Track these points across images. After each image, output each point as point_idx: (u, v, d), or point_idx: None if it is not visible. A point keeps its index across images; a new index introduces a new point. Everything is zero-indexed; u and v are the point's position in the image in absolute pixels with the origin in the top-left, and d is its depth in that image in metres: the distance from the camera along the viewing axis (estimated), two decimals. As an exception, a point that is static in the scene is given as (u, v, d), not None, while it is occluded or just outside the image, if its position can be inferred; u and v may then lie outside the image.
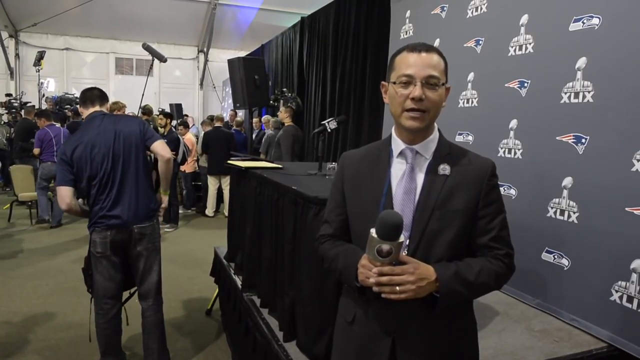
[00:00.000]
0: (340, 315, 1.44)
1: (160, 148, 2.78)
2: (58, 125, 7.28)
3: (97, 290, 2.72)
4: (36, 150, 6.71)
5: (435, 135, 1.31)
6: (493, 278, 1.24)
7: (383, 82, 1.33)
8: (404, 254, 1.22)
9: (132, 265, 2.77)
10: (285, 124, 6.47)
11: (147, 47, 5.99)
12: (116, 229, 2.64)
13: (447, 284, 1.18)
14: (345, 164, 1.43)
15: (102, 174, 2.61)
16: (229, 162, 3.46)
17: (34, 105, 9.80)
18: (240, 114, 10.24)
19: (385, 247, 1.10)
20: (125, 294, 2.91)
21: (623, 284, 2.15)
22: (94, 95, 2.79)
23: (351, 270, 1.25)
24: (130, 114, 10.20)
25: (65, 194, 2.60)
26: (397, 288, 1.14)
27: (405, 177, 1.28)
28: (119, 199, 2.64)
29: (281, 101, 7.44)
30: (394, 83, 1.24)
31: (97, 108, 2.78)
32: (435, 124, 1.32)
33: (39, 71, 10.26)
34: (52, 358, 3.14)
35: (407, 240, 1.24)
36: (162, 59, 6.13)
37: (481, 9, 3.10)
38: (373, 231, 1.11)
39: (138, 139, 2.71)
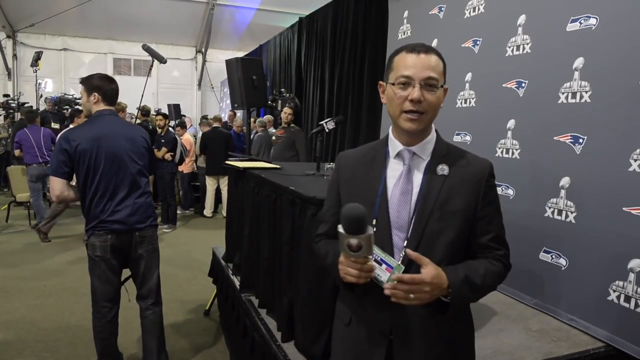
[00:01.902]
0: (337, 317, 1.44)
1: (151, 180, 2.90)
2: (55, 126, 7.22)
3: (95, 293, 2.68)
4: (16, 152, 6.60)
5: (432, 136, 1.31)
6: (496, 280, 1.27)
7: (380, 82, 1.32)
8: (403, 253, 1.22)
9: (131, 268, 2.75)
10: (290, 125, 6.32)
11: (147, 48, 5.98)
12: (117, 233, 2.59)
13: (459, 290, 1.18)
14: (341, 164, 1.43)
15: (104, 175, 2.55)
16: (227, 162, 3.46)
17: (31, 106, 9.78)
18: (239, 114, 10.24)
19: (354, 241, 1.09)
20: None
21: (620, 283, 2.15)
22: (114, 94, 2.72)
23: (336, 268, 1.24)
24: (132, 115, 10.21)
25: (56, 186, 2.53)
26: (412, 296, 1.14)
27: (402, 179, 1.27)
28: (122, 203, 2.59)
29: (279, 102, 7.42)
30: (393, 84, 1.23)
31: (110, 107, 2.72)
32: (433, 125, 1.32)
33: (36, 72, 10.23)
34: (50, 359, 3.14)
35: (405, 241, 1.24)
36: (162, 60, 6.11)
37: (479, 9, 3.11)
38: (340, 227, 1.10)
39: (146, 150, 2.75)
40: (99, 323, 2.69)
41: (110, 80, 2.76)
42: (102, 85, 2.69)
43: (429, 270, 1.15)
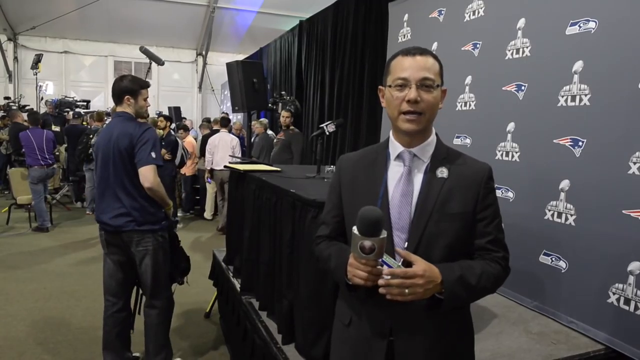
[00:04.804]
0: (337, 318, 1.45)
1: (143, 174, 2.60)
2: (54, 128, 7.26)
3: (103, 286, 2.80)
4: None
5: (432, 139, 1.32)
6: (492, 282, 1.26)
7: (380, 87, 1.34)
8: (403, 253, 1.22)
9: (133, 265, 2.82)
10: (290, 127, 6.35)
11: (144, 50, 5.98)
12: (106, 231, 2.72)
13: (451, 288, 1.19)
14: (342, 166, 1.44)
15: (99, 176, 2.71)
16: (227, 164, 3.47)
17: (25, 107, 9.81)
18: (239, 117, 10.24)
19: (367, 243, 1.11)
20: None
21: (620, 286, 2.16)
22: (115, 93, 2.76)
23: (341, 269, 1.26)
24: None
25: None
26: (406, 291, 1.14)
27: (402, 180, 1.29)
28: (109, 205, 2.66)
29: (280, 104, 7.43)
30: (390, 86, 1.26)
31: (120, 108, 2.75)
32: (433, 128, 1.33)
33: (36, 74, 10.27)
34: (50, 361, 3.14)
35: (406, 243, 1.25)
36: (160, 62, 6.12)
37: (478, 12, 3.12)
38: (355, 228, 1.12)
39: (128, 150, 2.61)
40: (104, 315, 2.80)
41: (118, 79, 2.81)
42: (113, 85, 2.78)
43: (420, 265, 1.16)
